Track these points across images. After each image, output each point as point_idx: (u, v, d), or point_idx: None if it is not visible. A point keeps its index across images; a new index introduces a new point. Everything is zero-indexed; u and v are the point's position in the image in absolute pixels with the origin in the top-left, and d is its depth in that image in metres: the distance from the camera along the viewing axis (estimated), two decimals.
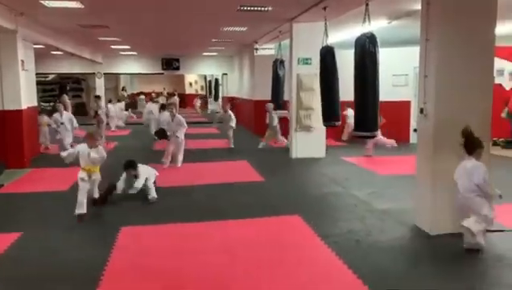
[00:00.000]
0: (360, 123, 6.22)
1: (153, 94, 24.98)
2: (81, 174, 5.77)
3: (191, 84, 34.92)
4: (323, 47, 7.76)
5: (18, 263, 4.37)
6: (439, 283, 3.84)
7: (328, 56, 7.67)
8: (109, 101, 17.28)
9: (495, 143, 10.64)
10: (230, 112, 11.56)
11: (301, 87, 10.05)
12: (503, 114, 10.84)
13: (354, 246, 4.78)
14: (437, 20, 4.93)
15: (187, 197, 6.89)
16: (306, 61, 9.94)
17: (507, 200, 6.31)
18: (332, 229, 5.32)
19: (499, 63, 10.10)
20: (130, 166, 6.52)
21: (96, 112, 13.63)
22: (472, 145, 4.46)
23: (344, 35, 10.85)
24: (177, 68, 20.77)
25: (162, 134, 9.61)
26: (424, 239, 4.95)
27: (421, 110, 5.19)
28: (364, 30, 6.02)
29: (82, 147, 5.86)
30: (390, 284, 3.84)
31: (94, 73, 20.03)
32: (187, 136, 9.62)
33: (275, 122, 11.53)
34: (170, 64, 20.48)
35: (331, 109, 7.76)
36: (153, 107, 14.48)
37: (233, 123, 11.44)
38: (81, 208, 5.63)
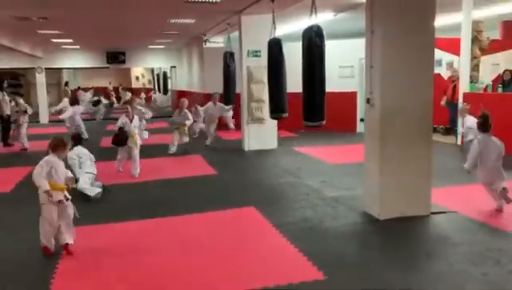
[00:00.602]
0: (308, 114, 6.33)
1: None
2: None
3: (137, 78, 34.05)
4: (270, 40, 7.81)
5: None
6: (388, 265, 4.03)
7: (275, 48, 7.72)
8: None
9: (435, 130, 11.23)
10: (186, 111, 10.13)
11: (251, 79, 10.09)
12: (442, 103, 11.43)
13: (308, 233, 4.90)
14: (381, 12, 5.11)
15: (140, 194, 6.75)
16: (255, 53, 9.98)
17: (449, 184, 6.72)
18: (286, 218, 5.42)
19: (438, 53, 10.62)
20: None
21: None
22: (489, 124, 5.43)
23: (292, 28, 11.00)
24: (123, 62, 20.15)
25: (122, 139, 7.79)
26: (374, 224, 5.16)
27: (367, 100, 5.38)
28: (311, 22, 6.12)
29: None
30: (342, 268, 3.98)
31: (34, 68, 19.03)
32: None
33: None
34: (115, 57, 19.83)
35: (278, 101, 7.83)
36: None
37: (189, 122, 10.23)
38: None
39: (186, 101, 10.09)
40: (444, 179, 6.78)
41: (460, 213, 5.35)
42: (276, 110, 7.93)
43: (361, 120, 12.16)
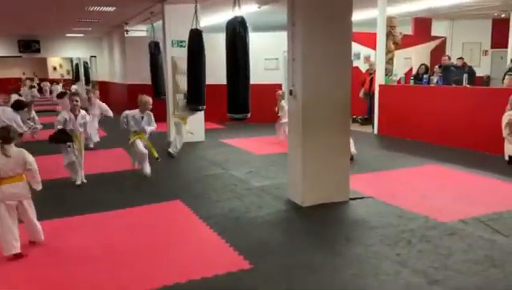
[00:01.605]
0: (232, 106, 6.34)
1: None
2: None
3: (55, 68, 32.05)
4: (190, 30, 7.69)
5: None
6: (311, 251, 4.19)
7: (194, 39, 7.62)
8: None
9: (354, 120, 11.83)
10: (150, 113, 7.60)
11: (176, 70, 9.90)
12: (360, 94, 12.07)
13: (234, 224, 4.95)
14: (302, 6, 5.24)
15: (59, 190, 6.37)
16: (180, 44, 9.80)
17: (366, 171, 7.12)
18: (213, 209, 5.43)
19: (356, 47, 11.17)
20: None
21: None
22: None
23: (218, 19, 10.95)
24: (37, 51, 18.83)
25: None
26: (297, 211, 5.34)
27: (290, 92, 5.52)
28: (235, 14, 6.12)
29: None
30: (268, 256, 4.08)
31: None
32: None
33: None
34: (28, 46, 18.46)
35: (196, 92, 7.76)
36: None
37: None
38: None
39: (150, 100, 7.18)
40: (362, 167, 7.18)
41: (376, 199, 5.69)
42: (193, 102, 7.85)
43: None
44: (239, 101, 6.12)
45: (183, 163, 8.25)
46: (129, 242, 4.51)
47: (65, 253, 4.25)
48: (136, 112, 6.98)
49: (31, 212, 4.36)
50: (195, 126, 10.03)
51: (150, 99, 7.07)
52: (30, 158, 4.24)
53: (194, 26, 7.62)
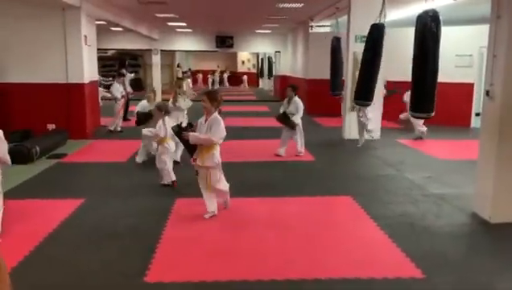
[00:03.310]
0: (416, 104, 5.95)
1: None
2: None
3: (243, 62, 35.07)
4: (372, 24, 7.40)
5: (80, 226, 4.65)
6: (495, 274, 3.68)
7: (375, 34, 7.28)
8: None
9: None
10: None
11: (357, 65, 9.78)
12: None
13: (407, 229, 4.67)
14: None
15: (238, 173, 6.97)
16: (363, 39, 9.56)
17: None
18: (384, 211, 5.22)
19: None
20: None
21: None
22: None
23: (405, 12, 10.39)
24: (231, 46, 20.87)
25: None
26: (483, 227, 4.75)
27: (487, 93, 4.91)
28: (426, 7, 5.71)
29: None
30: (443, 270, 3.73)
31: (151, 50, 20.53)
32: (237, 114, 9.62)
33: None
34: (224, 41, 20.60)
35: (366, 88, 7.43)
36: None
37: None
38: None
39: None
40: None
41: None
42: (361, 97, 7.56)
43: (477, 114, 11.18)
44: (424, 100, 5.70)
45: (355, 160, 8.14)
46: (298, 227, 4.67)
47: (239, 222, 4.63)
48: None
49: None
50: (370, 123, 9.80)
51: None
52: None
53: (377, 21, 7.35)
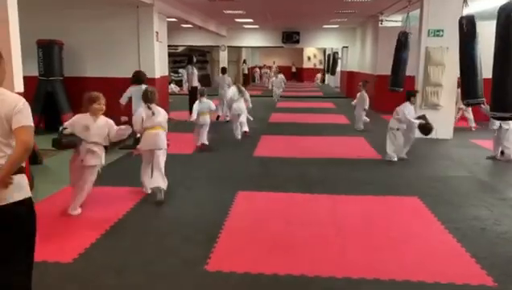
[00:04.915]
0: (497, 103, 5.51)
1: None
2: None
3: (309, 58, 34.75)
4: (461, 17, 6.93)
5: (146, 217, 4.87)
6: None
7: (468, 27, 6.79)
8: None
9: None
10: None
11: (429, 61, 9.35)
12: None
13: (478, 234, 4.39)
14: None
15: (300, 169, 6.94)
16: (437, 33, 9.18)
17: None
18: (454, 214, 4.94)
19: None
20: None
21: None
22: None
23: (485, 5, 9.72)
24: (297, 42, 20.75)
25: None
26: None
27: None
28: None
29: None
30: None
31: (218, 46, 20.96)
32: (303, 110, 9.58)
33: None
34: (290, 37, 20.53)
35: (471, 85, 6.90)
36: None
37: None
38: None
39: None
40: None
41: None
42: (470, 96, 6.96)
43: None
44: (507, 99, 5.27)
45: (424, 160, 7.77)
46: (360, 226, 4.56)
47: (300, 223, 4.60)
48: None
49: None
50: (441, 121, 9.26)
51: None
52: None
53: (462, 14, 6.91)
